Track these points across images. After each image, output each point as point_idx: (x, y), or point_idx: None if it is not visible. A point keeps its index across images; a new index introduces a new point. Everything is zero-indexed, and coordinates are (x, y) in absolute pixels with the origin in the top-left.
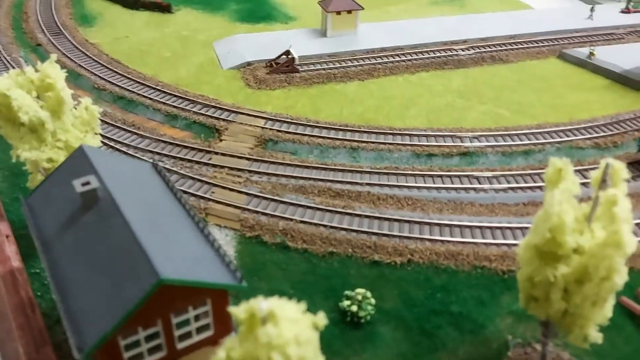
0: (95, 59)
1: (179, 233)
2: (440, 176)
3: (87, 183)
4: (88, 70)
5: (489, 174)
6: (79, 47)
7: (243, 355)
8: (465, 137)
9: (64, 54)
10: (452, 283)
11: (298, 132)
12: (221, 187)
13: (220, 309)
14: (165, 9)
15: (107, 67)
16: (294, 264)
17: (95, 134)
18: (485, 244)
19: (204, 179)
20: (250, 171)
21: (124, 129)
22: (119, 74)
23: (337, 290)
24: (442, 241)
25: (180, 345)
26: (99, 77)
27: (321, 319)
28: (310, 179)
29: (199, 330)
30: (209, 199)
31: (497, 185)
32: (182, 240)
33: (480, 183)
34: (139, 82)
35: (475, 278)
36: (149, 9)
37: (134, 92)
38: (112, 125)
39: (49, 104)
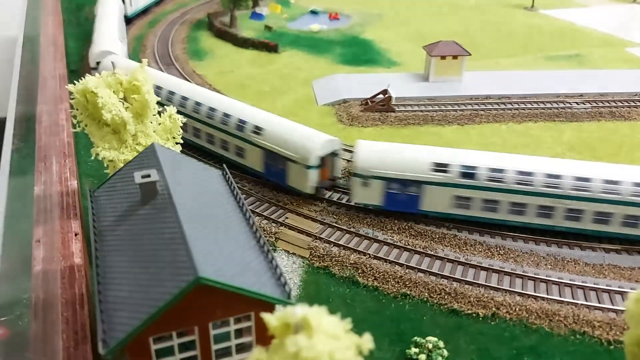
0: None
1: (231, 238)
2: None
3: (147, 176)
4: None
5: None
6: (186, 76)
7: None
8: None
9: None
10: (543, 346)
11: None
12: (296, 213)
13: (266, 328)
14: (273, 48)
15: None
16: (361, 300)
17: (177, 143)
18: (588, 306)
19: (279, 203)
20: (328, 200)
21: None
22: None
23: (405, 336)
24: (535, 297)
25: None
26: None
27: (367, 341)
28: (390, 214)
29: (240, 348)
30: (282, 224)
31: (607, 245)
32: (233, 246)
33: (587, 240)
34: None
35: (573, 344)
36: (257, 48)
37: None
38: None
39: (134, 106)
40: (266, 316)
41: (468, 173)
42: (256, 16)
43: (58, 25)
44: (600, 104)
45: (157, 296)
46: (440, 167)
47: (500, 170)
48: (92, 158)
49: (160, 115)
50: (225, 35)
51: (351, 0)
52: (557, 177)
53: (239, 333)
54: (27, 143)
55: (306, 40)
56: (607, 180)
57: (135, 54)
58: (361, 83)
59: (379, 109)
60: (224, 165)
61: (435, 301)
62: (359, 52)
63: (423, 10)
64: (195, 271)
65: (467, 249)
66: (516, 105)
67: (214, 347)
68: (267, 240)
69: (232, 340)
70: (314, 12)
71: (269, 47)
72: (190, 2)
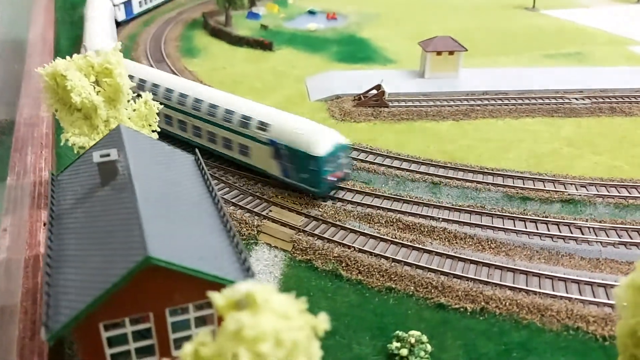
0: None
1: (193, 222)
2: (535, 221)
3: (107, 155)
4: None
5: (596, 225)
6: (177, 73)
7: (215, 353)
8: (571, 183)
9: None
10: (534, 342)
11: (375, 161)
12: (280, 206)
13: None
14: (267, 46)
15: None
16: (343, 294)
17: (153, 130)
18: (582, 301)
19: (264, 196)
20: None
21: None
22: None
23: (387, 331)
24: (527, 291)
25: (177, 353)
26: None
27: (323, 321)
28: (378, 207)
29: None
30: (265, 217)
31: (604, 238)
32: (195, 229)
33: (583, 234)
34: None
35: (566, 340)
36: (252, 46)
37: None
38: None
39: (107, 90)
40: (212, 294)
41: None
42: (252, 16)
43: (49, 22)
44: (600, 100)
45: (107, 278)
46: None
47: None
48: (62, 144)
49: (135, 102)
50: (220, 33)
51: (350, 1)
52: (185, 96)
53: (201, 321)
54: (8, 136)
55: (302, 38)
56: (210, 104)
57: (127, 52)
58: (355, 80)
59: (372, 104)
60: (197, 151)
61: (421, 295)
62: (355, 50)
63: (422, 11)
64: (145, 251)
65: (456, 242)
66: (513, 101)
67: (172, 336)
68: (249, 233)
69: (192, 329)
70: (311, 12)
71: (264, 45)
72: (186, 2)
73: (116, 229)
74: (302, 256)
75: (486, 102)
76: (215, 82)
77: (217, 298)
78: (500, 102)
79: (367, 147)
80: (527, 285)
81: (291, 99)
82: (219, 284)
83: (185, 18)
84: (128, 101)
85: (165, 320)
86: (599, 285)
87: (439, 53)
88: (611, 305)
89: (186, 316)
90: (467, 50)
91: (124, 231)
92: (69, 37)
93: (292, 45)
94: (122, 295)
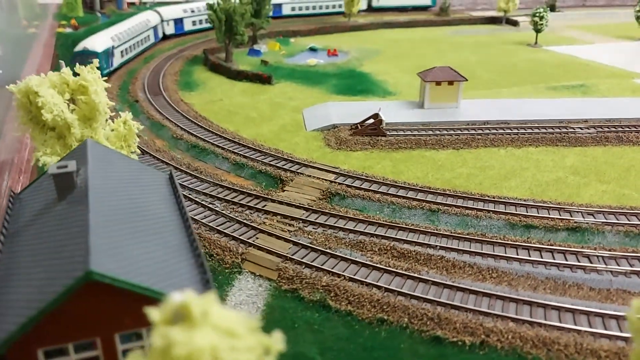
0: (184, 114)
1: (154, 239)
2: (539, 250)
3: (64, 167)
4: (172, 122)
5: (606, 253)
6: (172, 104)
7: None
8: (577, 211)
9: (156, 108)
10: None
11: (370, 188)
12: (267, 233)
13: None
14: (266, 80)
15: (191, 121)
16: (331, 327)
17: (132, 152)
18: (593, 334)
19: (252, 224)
20: (304, 221)
21: (186, 172)
22: (200, 126)
23: None
24: (531, 323)
25: None
26: (180, 127)
27: (277, 341)
28: (371, 235)
29: None
30: (250, 244)
31: (615, 267)
32: (154, 246)
33: (592, 262)
34: (216, 134)
35: None
36: (251, 80)
37: (207, 141)
38: (175, 167)
39: (82, 109)
40: (148, 309)
41: None
42: (254, 52)
43: (47, 56)
44: (606, 129)
45: (45, 297)
46: None
47: None
48: (32, 164)
49: (113, 121)
50: (220, 68)
51: (351, 39)
52: None
53: None
54: None
55: (301, 73)
56: None
57: (125, 85)
58: (353, 110)
59: (369, 133)
60: (171, 170)
61: (415, 327)
62: (354, 83)
63: (423, 48)
64: (87, 265)
65: (455, 272)
66: (515, 130)
67: None
68: (233, 261)
69: None
70: (312, 49)
71: (263, 79)
72: (188, 41)
73: (64, 245)
74: (288, 285)
75: (487, 131)
76: (211, 113)
77: (154, 313)
78: (502, 131)
79: (362, 175)
80: (531, 317)
81: (287, 128)
82: None
83: (186, 55)
84: (106, 120)
85: (115, 347)
86: (611, 317)
87: (438, 83)
88: (625, 339)
89: (140, 343)
90: (467, 80)
91: (72, 246)
92: None
93: (291, 79)
94: (64, 317)
